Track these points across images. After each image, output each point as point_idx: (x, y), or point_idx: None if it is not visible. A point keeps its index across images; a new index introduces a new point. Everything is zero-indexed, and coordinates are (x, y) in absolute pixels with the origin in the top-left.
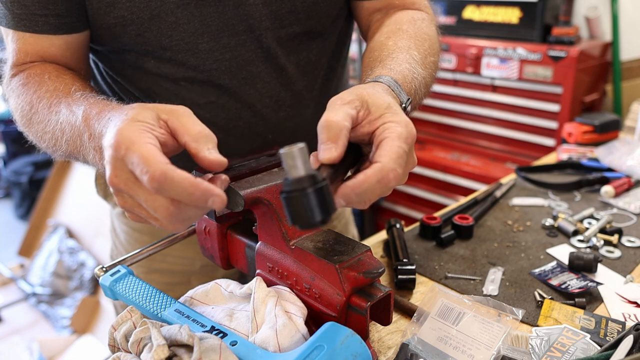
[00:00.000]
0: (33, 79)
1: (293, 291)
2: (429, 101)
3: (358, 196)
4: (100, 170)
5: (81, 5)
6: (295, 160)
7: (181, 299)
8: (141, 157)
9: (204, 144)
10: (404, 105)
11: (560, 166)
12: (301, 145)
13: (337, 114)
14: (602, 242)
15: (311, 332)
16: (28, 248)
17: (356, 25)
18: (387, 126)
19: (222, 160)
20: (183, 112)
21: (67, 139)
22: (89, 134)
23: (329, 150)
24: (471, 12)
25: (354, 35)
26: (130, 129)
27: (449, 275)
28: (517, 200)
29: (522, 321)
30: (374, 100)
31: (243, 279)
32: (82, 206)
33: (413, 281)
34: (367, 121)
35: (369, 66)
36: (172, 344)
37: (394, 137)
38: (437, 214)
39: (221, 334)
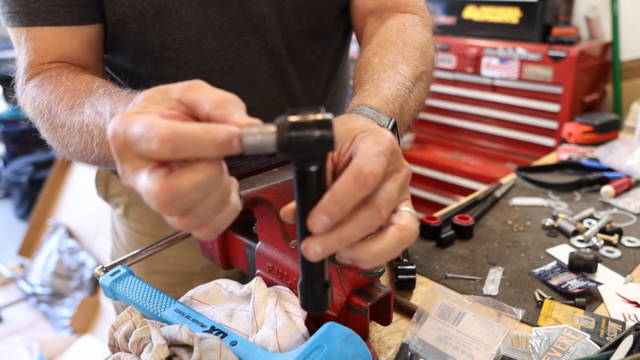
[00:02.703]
0: (49, 80)
1: (293, 291)
2: (429, 101)
3: (337, 204)
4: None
5: None
6: None
7: (181, 299)
8: (142, 126)
9: (230, 109)
10: (387, 128)
11: (560, 166)
12: None
13: None
14: (602, 242)
15: (311, 332)
16: (28, 248)
17: None
18: (358, 143)
19: (255, 122)
20: (199, 85)
21: (98, 143)
22: None
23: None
24: (471, 12)
25: (354, 36)
26: (130, 111)
27: (449, 275)
28: (517, 200)
29: (522, 321)
30: (341, 133)
31: (243, 279)
32: (82, 206)
33: (413, 281)
34: (341, 156)
35: (353, 89)
36: (172, 344)
37: (366, 144)
38: (437, 214)
39: (221, 334)
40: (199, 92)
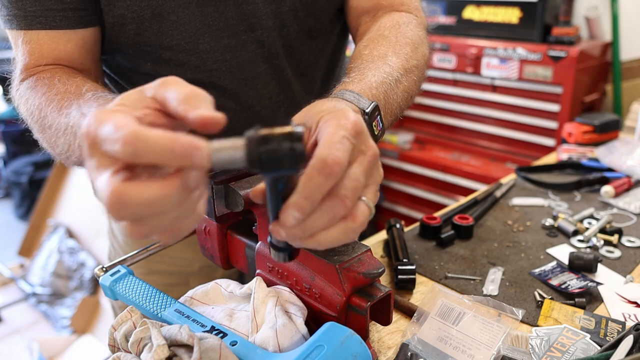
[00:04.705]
0: (42, 82)
1: (293, 291)
2: (429, 101)
3: (307, 198)
4: None
5: None
6: None
7: (181, 299)
8: (111, 126)
9: (194, 103)
10: (367, 110)
11: (560, 166)
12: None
13: None
14: (602, 242)
15: (311, 332)
16: (28, 248)
17: None
18: (322, 126)
19: (216, 116)
20: (172, 81)
21: (80, 144)
22: None
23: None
24: (471, 12)
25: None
26: (105, 110)
27: (449, 275)
28: (517, 200)
29: (522, 321)
30: (309, 116)
31: (242, 279)
32: (82, 206)
33: (413, 281)
34: (308, 138)
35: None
36: (172, 344)
37: (330, 128)
38: (437, 214)
39: (221, 334)
40: (170, 88)
